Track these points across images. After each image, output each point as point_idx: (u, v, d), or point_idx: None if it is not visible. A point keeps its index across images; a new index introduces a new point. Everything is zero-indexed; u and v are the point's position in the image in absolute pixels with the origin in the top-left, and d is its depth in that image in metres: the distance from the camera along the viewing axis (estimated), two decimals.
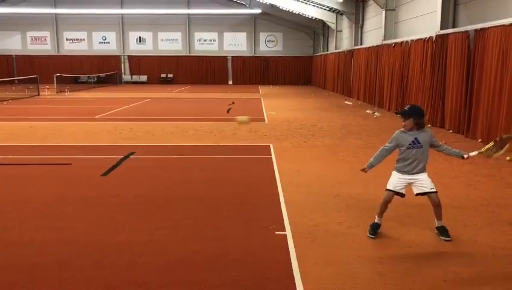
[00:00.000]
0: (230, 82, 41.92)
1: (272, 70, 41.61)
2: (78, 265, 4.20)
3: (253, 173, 7.87)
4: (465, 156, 4.91)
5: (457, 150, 5.02)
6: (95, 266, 4.18)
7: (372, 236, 4.89)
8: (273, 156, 9.13)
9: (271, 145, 10.35)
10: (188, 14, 40.73)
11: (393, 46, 17.75)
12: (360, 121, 15.01)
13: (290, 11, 34.45)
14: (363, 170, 5.13)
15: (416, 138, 4.88)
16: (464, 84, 12.15)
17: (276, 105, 20.88)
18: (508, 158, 11.31)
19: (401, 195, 4.98)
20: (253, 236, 4.92)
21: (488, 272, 4.14)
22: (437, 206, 4.90)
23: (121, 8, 40.14)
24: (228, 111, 18.14)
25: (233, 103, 21.75)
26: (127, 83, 41.18)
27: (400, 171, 4.99)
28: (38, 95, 26.18)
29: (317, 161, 8.71)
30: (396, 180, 4.96)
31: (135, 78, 41.49)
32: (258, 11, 38.31)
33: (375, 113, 17.00)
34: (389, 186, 4.98)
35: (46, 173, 7.79)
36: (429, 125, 13.80)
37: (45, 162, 8.59)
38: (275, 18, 39.50)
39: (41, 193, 6.53)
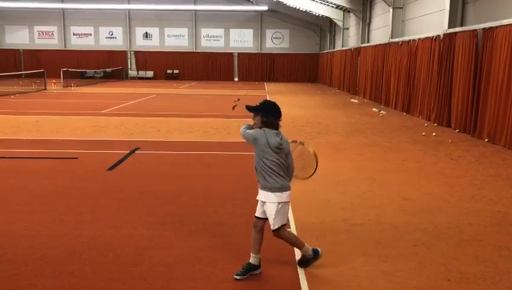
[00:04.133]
0: (236, 79, 41.90)
1: (278, 68, 41.55)
2: (84, 259, 4.22)
3: None
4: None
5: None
6: (100, 260, 4.20)
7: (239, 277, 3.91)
8: None
9: None
10: (195, 10, 40.71)
11: (401, 45, 17.66)
12: (366, 119, 14.96)
13: (297, 8, 34.34)
14: None
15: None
16: (471, 83, 12.07)
17: (282, 102, 20.72)
18: (433, 134, 11.28)
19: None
20: None
21: (494, 272, 4.12)
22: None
23: (128, 3, 40.20)
24: (233, 108, 18.14)
25: (238, 99, 21.74)
26: (133, 78, 41.26)
27: None
28: (45, 89, 26.29)
29: (322, 159, 8.65)
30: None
31: (141, 73, 41.56)
32: (264, 7, 38.23)
33: (381, 112, 16.94)
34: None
35: (52, 166, 7.83)
36: (435, 125, 13.75)
37: (51, 156, 8.63)
38: (282, 15, 39.40)
39: (48, 187, 6.57)
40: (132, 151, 9.07)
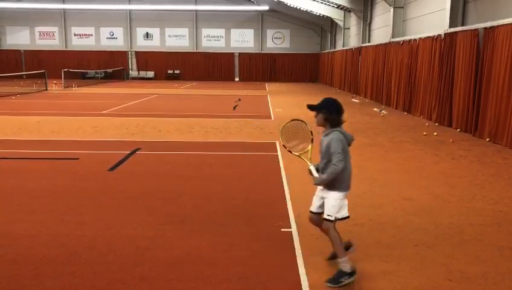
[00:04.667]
0: (237, 79, 41.91)
1: (279, 68, 41.55)
2: (84, 259, 4.22)
3: (259, 170, 7.87)
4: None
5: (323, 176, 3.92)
6: (101, 260, 4.20)
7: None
8: (279, 153, 9.12)
9: (277, 143, 10.33)
10: (196, 10, 40.72)
11: (402, 44, 17.65)
12: (367, 119, 14.95)
13: (298, 8, 34.33)
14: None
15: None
16: (472, 83, 12.06)
17: (283, 102, 20.85)
18: (435, 133, 11.30)
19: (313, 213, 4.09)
20: (258, 233, 4.92)
21: (495, 272, 4.11)
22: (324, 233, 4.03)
23: (129, 3, 40.24)
24: (234, 108, 18.14)
25: (239, 99, 21.74)
26: (134, 78, 41.28)
27: None
28: (46, 90, 26.32)
29: None
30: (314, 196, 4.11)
31: (142, 74, 41.58)
32: (265, 7, 38.22)
33: (383, 111, 16.93)
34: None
35: (53, 167, 7.83)
36: (436, 124, 13.73)
37: (52, 157, 8.64)
38: (282, 15, 39.39)
39: (49, 187, 6.57)
40: (133, 152, 9.07)
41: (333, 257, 4.08)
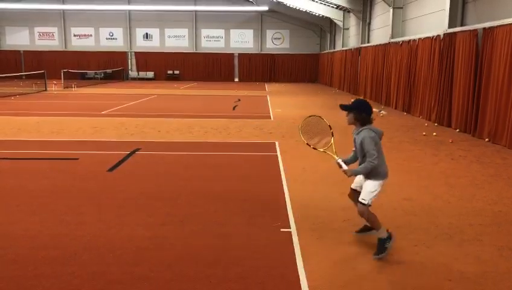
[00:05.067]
0: (236, 79, 41.91)
1: (278, 68, 41.55)
2: (84, 259, 4.22)
3: (259, 170, 7.87)
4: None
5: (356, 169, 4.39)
6: (100, 261, 4.20)
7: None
8: (278, 153, 9.13)
9: (276, 143, 10.35)
10: (195, 11, 40.71)
11: (401, 45, 17.66)
12: None
13: (297, 8, 34.34)
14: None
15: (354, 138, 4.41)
16: (471, 83, 12.07)
17: (282, 102, 20.85)
18: (434, 134, 11.37)
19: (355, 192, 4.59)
20: (258, 233, 4.93)
21: (495, 272, 4.11)
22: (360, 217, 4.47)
23: (128, 4, 40.23)
24: (234, 108, 18.14)
25: (239, 100, 21.75)
26: (134, 79, 41.27)
27: None
28: (46, 90, 26.31)
29: (322, 159, 8.68)
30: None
31: (142, 74, 41.57)
32: (265, 8, 38.22)
33: (382, 111, 16.94)
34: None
35: (52, 167, 7.83)
36: (436, 124, 13.74)
37: (52, 157, 8.64)
38: (282, 15, 39.40)
39: (48, 188, 6.57)
40: (132, 152, 9.07)
41: (362, 230, 4.68)
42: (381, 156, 4.29)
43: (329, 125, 4.63)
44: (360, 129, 4.30)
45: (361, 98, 4.47)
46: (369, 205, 4.32)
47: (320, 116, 4.72)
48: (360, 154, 4.35)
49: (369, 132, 4.23)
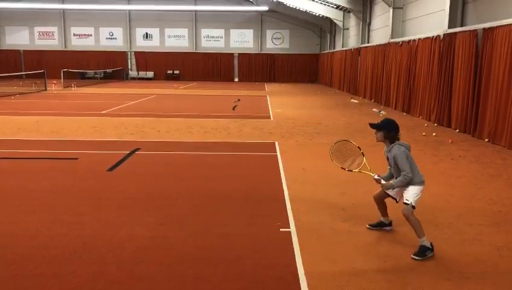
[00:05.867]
0: (236, 79, 41.90)
1: (278, 68, 41.55)
2: (83, 259, 4.22)
3: (258, 170, 7.87)
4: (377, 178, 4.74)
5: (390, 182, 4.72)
6: (100, 260, 4.20)
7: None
8: (278, 153, 9.13)
9: (276, 143, 10.35)
10: (195, 11, 40.71)
11: (401, 45, 17.66)
12: (366, 120, 14.95)
13: (297, 8, 34.35)
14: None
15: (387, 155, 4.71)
16: (471, 83, 12.07)
17: (282, 102, 20.85)
18: (434, 134, 11.39)
19: (394, 199, 4.85)
20: (257, 233, 4.93)
21: (494, 272, 4.12)
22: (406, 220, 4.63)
23: (128, 4, 40.22)
24: (234, 108, 18.14)
25: (239, 100, 21.75)
26: (134, 78, 41.27)
27: None
28: (46, 90, 26.30)
29: (322, 159, 8.69)
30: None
31: (142, 74, 41.57)
32: (265, 8, 38.23)
33: (381, 112, 16.94)
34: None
35: (52, 167, 7.83)
36: (435, 125, 13.75)
37: (52, 157, 8.63)
38: (282, 15, 39.40)
39: (48, 187, 6.57)
40: (132, 152, 9.07)
41: (377, 224, 5.01)
42: (415, 167, 4.55)
43: (358, 147, 4.98)
44: (391, 146, 4.60)
45: (390, 118, 4.71)
46: (413, 207, 4.46)
47: (346, 140, 5.11)
48: (395, 170, 4.62)
49: (399, 148, 4.53)
